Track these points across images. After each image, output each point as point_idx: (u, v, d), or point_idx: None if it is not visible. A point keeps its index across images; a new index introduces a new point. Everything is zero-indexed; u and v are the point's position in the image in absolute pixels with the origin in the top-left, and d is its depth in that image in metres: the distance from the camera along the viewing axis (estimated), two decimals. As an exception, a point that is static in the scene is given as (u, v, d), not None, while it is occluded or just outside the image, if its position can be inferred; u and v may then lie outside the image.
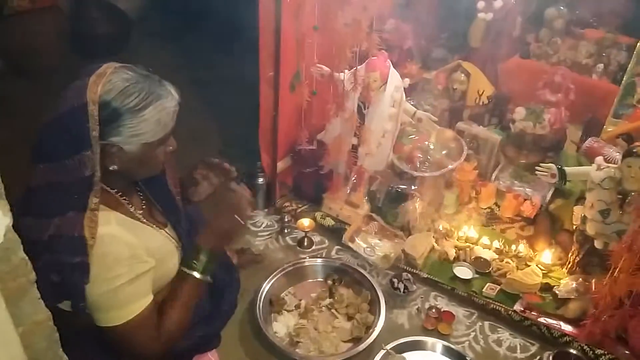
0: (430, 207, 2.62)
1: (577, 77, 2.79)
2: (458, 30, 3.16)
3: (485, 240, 2.51)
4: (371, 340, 2.05)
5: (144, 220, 1.54)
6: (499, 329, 2.23)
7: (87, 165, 1.31)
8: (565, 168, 2.34)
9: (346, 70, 2.43)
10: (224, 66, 3.95)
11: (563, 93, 2.65)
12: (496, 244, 2.48)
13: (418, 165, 2.59)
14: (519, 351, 2.15)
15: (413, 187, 2.57)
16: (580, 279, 2.22)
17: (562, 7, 3.04)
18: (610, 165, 2.10)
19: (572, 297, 2.18)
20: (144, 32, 4.58)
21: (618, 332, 2.03)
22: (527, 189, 2.71)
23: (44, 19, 3.90)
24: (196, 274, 1.58)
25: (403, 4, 3.07)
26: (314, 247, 2.60)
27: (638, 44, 2.41)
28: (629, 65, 2.50)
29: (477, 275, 2.36)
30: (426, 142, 2.64)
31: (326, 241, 2.64)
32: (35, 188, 1.34)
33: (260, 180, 2.75)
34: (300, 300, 2.27)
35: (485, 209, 2.72)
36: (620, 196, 2.06)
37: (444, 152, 2.64)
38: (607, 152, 2.37)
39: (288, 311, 2.22)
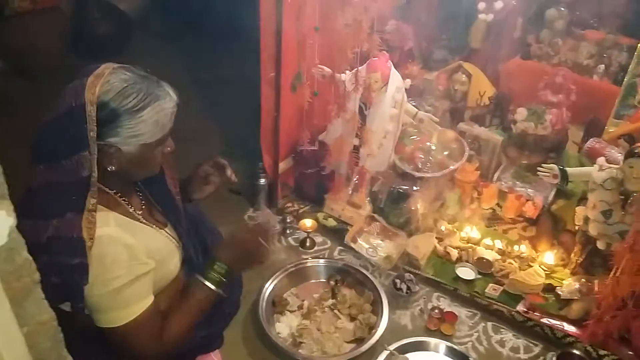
0: (432, 208, 2.62)
1: (578, 78, 2.80)
2: (459, 31, 3.17)
3: (487, 240, 2.51)
4: (374, 341, 2.05)
5: (144, 221, 1.54)
6: (502, 330, 2.23)
7: (85, 166, 1.31)
8: (567, 169, 2.33)
9: (347, 71, 2.43)
10: (225, 67, 3.95)
11: (564, 94, 2.65)
12: (498, 244, 2.48)
13: (420, 166, 2.59)
14: (522, 352, 2.15)
15: (415, 188, 2.57)
16: (583, 280, 2.22)
17: (562, 8, 3.05)
18: (612, 165, 2.10)
19: (575, 297, 2.18)
20: (145, 32, 4.58)
21: (621, 333, 2.02)
22: (529, 190, 2.71)
23: (45, 20, 3.91)
24: (210, 285, 1.59)
25: (404, 5, 3.07)
26: (316, 248, 2.60)
27: (639, 45, 2.40)
28: (630, 66, 2.50)
29: (479, 276, 2.36)
30: (428, 143, 2.64)
31: (328, 242, 2.64)
32: (34, 189, 1.34)
33: (262, 181, 2.75)
34: (303, 300, 2.26)
35: (488, 209, 2.72)
36: (622, 197, 2.06)
37: (445, 152, 2.64)
38: (608, 152, 2.37)
39: (291, 312, 2.22)
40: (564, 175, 2.32)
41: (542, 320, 2.17)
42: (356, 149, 2.59)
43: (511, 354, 2.14)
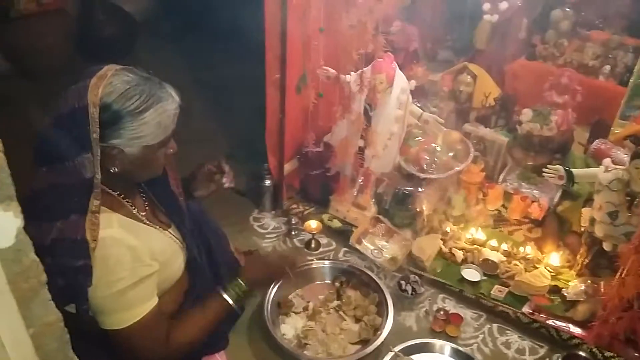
0: (437, 209, 2.62)
1: (584, 79, 2.79)
2: (464, 32, 3.16)
3: (493, 242, 2.50)
4: (379, 343, 2.04)
5: (147, 222, 1.54)
6: (507, 331, 2.22)
7: (87, 168, 1.31)
8: (573, 170, 2.32)
9: (352, 72, 2.43)
10: (230, 68, 3.96)
11: (570, 95, 2.65)
12: (504, 246, 2.47)
13: (425, 167, 2.59)
14: (527, 354, 2.14)
15: (420, 189, 2.57)
16: (589, 281, 2.21)
17: (568, 9, 3.04)
18: (618, 166, 2.09)
19: (581, 299, 2.17)
20: (151, 34, 4.59)
21: (627, 334, 2.01)
22: (535, 191, 2.71)
23: (51, 22, 3.92)
24: (229, 299, 1.63)
25: (409, 6, 3.07)
26: (321, 249, 2.60)
27: (645, 45, 2.40)
28: (636, 67, 2.49)
29: (485, 278, 2.35)
30: (433, 144, 2.64)
31: (333, 243, 2.64)
32: (38, 191, 1.34)
33: (267, 182, 2.75)
34: (308, 302, 2.26)
35: (493, 211, 2.71)
36: (628, 198, 2.05)
37: (450, 154, 2.64)
38: (614, 153, 2.37)
39: (296, 313, 2.22)
40: (570, 177, 2.31)
41: (547, 321, 2.16)
42: (361, 150, 2.59)
43: (517, 356, 2.13)
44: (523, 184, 2.76)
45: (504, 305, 2.25)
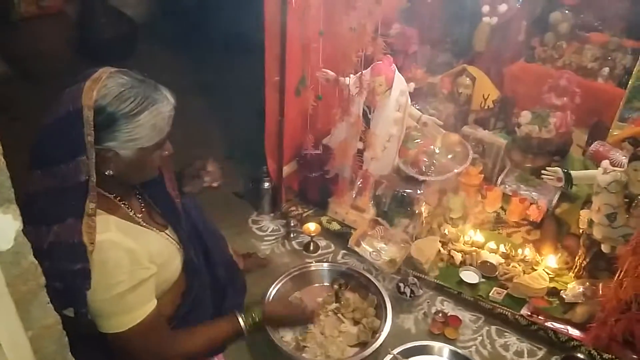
0: (436, 212, 2.62)
1: (583, 81, 2.80)
2: (463, 35, 3.17)
3: (491, 244, 2.50)
4: (378, 345, 2.04)
5: (144, 224, 1.54)
6: (505, 334, 2.23)
7: (83, 171, 1.31)
8: (572, 172, 2.33)
9: (351, 75, 2.43)
10: (230, 71, 3.97)
11: (568, 97, 2.65)
12: (502, 248, 2.48)
13: (424, 170, 2.59)
14: (526, 355, 2.14)
15: (419, 192, 2.57)
16: (588, 283, 2.21)
17: (567, 11, 3.06)
18: (616, 169, 2.10)
19: (579, 301, 2.18)
20: (151, 37, 4.60)
21: (625, 336, 2.02)
22: (533, 193, 2.71)
23: (52, 25, 3.93)
24: (242, 322, 1.65)
25: (408, 8, 3.08)
26: (319, 252, 2.61)
27: (643, 47, 2.41)
28: (635, 69, 2.50)
29: (483, 280, 2.35)
30: (432, 147, 2.65)
31: (332, 245, 2.65)
32: (33, 195, 1.33)
33: (266, 184, 2.75)
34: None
35: (492, 213, 2.71)
36: (626, 200, 2.06)
37: (449, 156, 2.64)
38: (613, 155, 2.37)
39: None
40: (568, 179, 2.32)
41: (546, 323, 2.17)
42: (360, 152, 2.59)
43: (515, 358, 2.14)
44: (522, 186, 2.77)
45: (503, 308, 2.25)
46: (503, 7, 2.92)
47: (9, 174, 0.82)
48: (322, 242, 2.65)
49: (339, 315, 2.22)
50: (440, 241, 2.51)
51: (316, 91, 2.52)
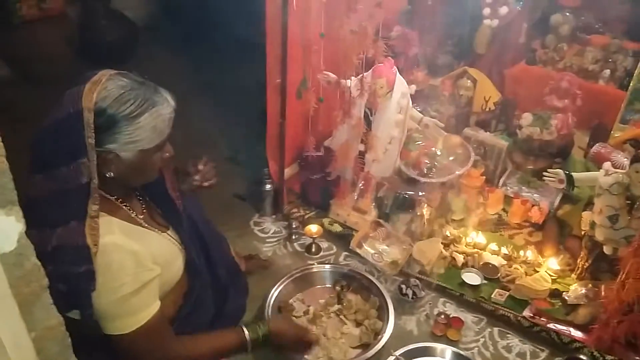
0: (437, 214, 2.62)
1: (584, 83, 2.80)
2: (464, 37, 3.17)
3: (493, 246, 2.50)
4: (380, 347, 2.04)
5: (146, 225, 1.55)
6: (508, 335, 2.22)
7: (84, 173, 1.31)
8: (573, 174, 2.33)
9: (353, 77, 2.43)
10: (231, 73, 3.97)
11: (570, 99, 2.65)
12: (504, 250, 2.47)
13: (425, 172, 2.60)
14: (528, 357, 2.14)
15: (420, 193, 2.57)
16: (590, 285, 2.21)
17: (567, 13, 3.05)
18: (618, 170, 2.09)
19: (582, 303, 2.17)
20: (152, 39, 4.61)
21: (628, 338, 2.01)
22: (535, 195, 2.71)
23: (53, 27, 3.94)
24: (247, 333, 1.66)
25: (409, 10, 3.08)
26: (321, 253, 2.61)
27: (645, 49, 2.41)
28: (636, 71, 2.50)
29: (485, 281, 2.35)
30: (433, 149, 2.65)
31: (334, 247, 2.64)
32: (35, 198, 1.34)
33: (268, 186, 2.76)
34: (309, 306, 2.26)
35: (493, 215, 2.71)
36: (628, 201, 2.06)
37: (451, 158, 2.65)
38: (615, 157, 2.37)
39: (297, 317, 2.22)
40: (570, 180, 2.32)
41: (548, 325, 2.16)
42: (362, 154, 2.59)
43: (518, 360, 2.14)
44: (523, 187, 2.77)
45: (505, 309, 2.25)
46: (504, 10, 2.92)
47: (12, 176, 0.82)
48: (324, 244, 2.65)
49: (341, 316, 2.22)
50: (442, 243, 2.51)
51: (317, 93, 2.52)
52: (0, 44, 3.86)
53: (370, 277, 2.34)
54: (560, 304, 2.24)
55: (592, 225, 2.18)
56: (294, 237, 2.68)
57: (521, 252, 2.45)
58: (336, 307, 2.26)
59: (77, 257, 1.32)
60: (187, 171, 1.88)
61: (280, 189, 2.77)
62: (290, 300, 2.28)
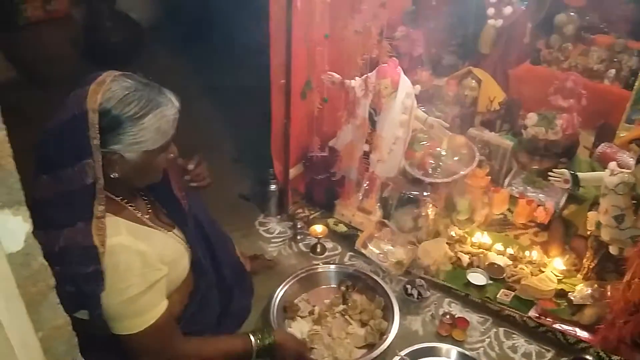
0: (442, 213, 2.62)
1: (589, 83, 2.79)
2: (468, 37, 3.17)
3: (498, 246, 2.50)
4: (385, 347, 2.04)
5: (152, 224, 1.55)
6: (513, 335, 2.22)
7: (89, 174, 1.32)
8: (579, 174, 2.32)
9: (357, 78, 2.44)
10: (236, 74, 3.97)
11: (575, 99, 2.65)
12: (510, 250, 2.47)
13: (430, 172, 2.59)
14: (534, 357, 2.13)
15: (425, 194, 2.57)
16: (596, 285, 2.20)
17: (572, 13, 3.05)
18: (624, 170, 2.09)
19: (588, 303, 2.17)
20: (157, 41, 4.62)
21: (634, 338, 2.00)
22: (540, 195, 2.71)
23: (58, 29, 3.94)
24: (253, 340, 1.68)
25: (413, 11, 3.08)
26: (326, 254, 2.61)
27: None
28: (642, 70, 2.50)
29: (491, 282, 2.35)
30: (438, 149, 2.65)
31: (339, 247, 2.64)
32: (42, 200, 1.34)
33: (273, 187, 2.76)
34: (314, 306, 2.26)
35: (499, 215, 2.71)
36: (634, 201, 2.05)
37: (455, 158, 2.64)
38: (620, 157, 2.37)
39: (302, 317, 2.22)
40: (576, 180, 2.31)
41: (554, 325, 2.16)
42: (366, 154, 2.59)
43: (523, 360, 2.13)
44: (529, 188, 2.76)
45: (510, 309, 2.24)
46: (508, 10, 2.91)
47: (19, 176, 0.83)
48: (329, 244, 2.65)
49: (346, 317, 2.22)
50: (447, 243, 2.51)
51: (322, 94, 2.52)
52: (6, 46, 3.88)
53: (375, 277, 2.34)
54: (566, 304, 2.23)
55: (598, 225, 2.18)
56: (299, 237, 2.68)
57: (527, 253, 2.45)
58: (341, 307, 2.26)
59: (85, 257, 1.32)
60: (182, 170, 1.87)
61: (285, 190, 2.77)
62: (296, 301, 2.28)
